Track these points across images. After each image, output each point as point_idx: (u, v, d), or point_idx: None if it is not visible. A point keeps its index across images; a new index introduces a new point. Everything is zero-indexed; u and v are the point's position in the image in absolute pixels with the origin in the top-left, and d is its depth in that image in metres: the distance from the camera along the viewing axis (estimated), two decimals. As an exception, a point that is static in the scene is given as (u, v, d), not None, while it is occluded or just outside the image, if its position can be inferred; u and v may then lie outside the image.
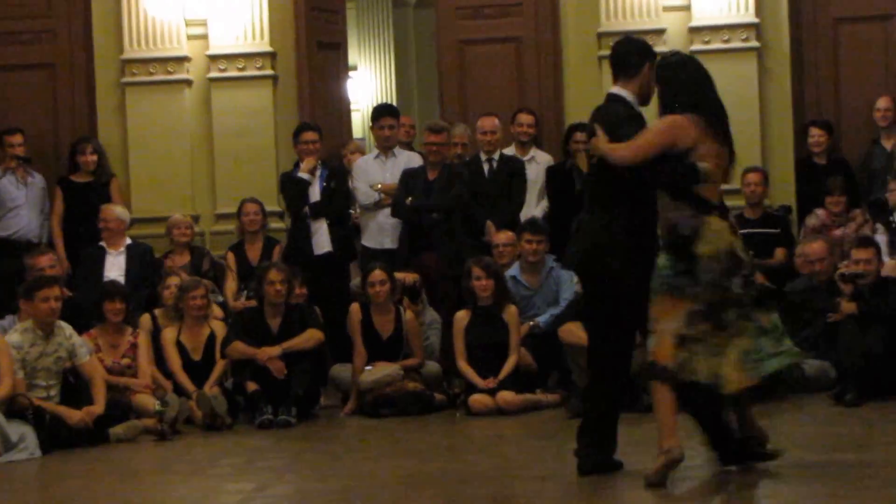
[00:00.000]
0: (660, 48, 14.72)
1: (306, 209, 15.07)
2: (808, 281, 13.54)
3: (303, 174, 15.14)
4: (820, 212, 14.57)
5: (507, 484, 9.90)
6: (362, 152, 15.61)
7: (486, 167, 14.72)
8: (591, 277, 9.25)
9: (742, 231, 13.86)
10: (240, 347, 13.38)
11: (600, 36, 9.06)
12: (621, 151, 9.00)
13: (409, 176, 14.67)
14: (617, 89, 9.32)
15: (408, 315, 13.95)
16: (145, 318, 13.84)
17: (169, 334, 13.65)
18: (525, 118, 15.29)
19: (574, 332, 12.36)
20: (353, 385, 13.78)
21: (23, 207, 15.45)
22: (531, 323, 13.62)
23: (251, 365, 13.35)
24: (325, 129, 16.04)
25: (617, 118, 9.13)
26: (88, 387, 12.76)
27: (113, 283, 14.12)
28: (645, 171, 9.00)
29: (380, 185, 14.84)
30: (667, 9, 16.41)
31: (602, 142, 9.00)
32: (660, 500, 8.88)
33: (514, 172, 14.47)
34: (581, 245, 9.21)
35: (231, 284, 14.91)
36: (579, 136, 13.70)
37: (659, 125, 9.12)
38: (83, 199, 15.45)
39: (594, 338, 9.30)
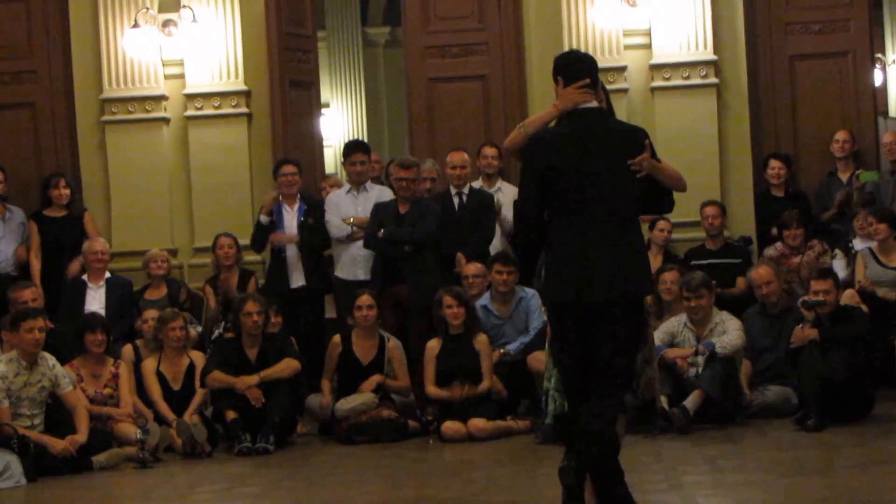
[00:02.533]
0: (621, 85, 14.89)
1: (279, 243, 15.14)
2: (762, 308, 13.60)
3: (262, 216, 15.30)
4: (778, 245, 14.63)
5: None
6: (339, 186, 15.58)
7: (455, 200, 14.75)
8: (628, 306, 8.94)
9: (703, 262, 14.06)
10: (219, 377, 13.40)
11: (560, 71, 9.03)
12: (681, 176, 9.21)
13: (380, 209, 14.66)
14: (595, 102, 9.09)
15: (390, 343, 13.98)
16: (127, 349, 13.87)
17: (149, 364, 13.67)
18: (489, 151, 15.33)
19: (542, 360, 12.34)
20: (321, 409, 13.92)
21: (1, 242, 15.45)
22: (501, 350, 13.67)
23: (230, 394, 13.35)
24: (300, 165, 16.00)
25: (642, 133, 9.12)
26: (71, 416, 12.77)
27: (94, 314, 14.10)
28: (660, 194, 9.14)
29: (352, 219, 14.85)
30: (628, 47, 16.51)
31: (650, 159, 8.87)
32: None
33: (483, 205, 14.45)
34: (624, 268, 8.80)
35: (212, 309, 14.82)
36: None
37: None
38: (57, 233, 15.45)
39: (620, 361, 9.02)
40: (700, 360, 12.95)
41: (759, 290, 13.73)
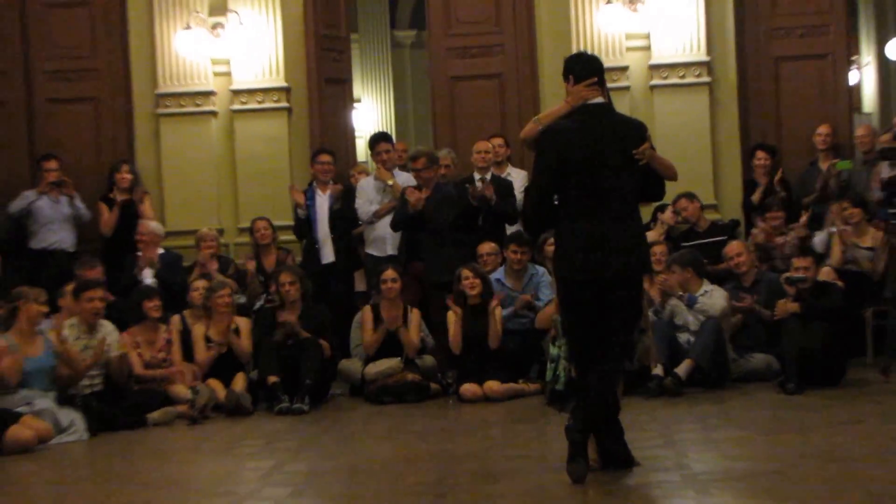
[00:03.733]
0: (623, 83, 14.87)
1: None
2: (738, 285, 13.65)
3: (298, 210, 15.40)
4: (760, 227, 14.60)
5: (492, 462, 9.96)
6: (367, 173, 15.58)
7: (479, 185, 14.61)
8: (629, 283, 9.08)
9: (693, 242, 14.03)
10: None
11: (570, 70, 9.02)
12: (673, 167, 9.40)
13: (405, 194, 14.58)
14: (603, 98, 9.18)
15: (413, 313, 14.00)
16: (175, 319, 13.85)
17: (198, 330, 13.67)
18: (496, 140, 15.30)
19: (548, 317, 12.76)
20: (364, 348, 14.03)
21: (55, 223, 15.45)
22: (526, 298, 13.74)
23: (272, 360, 13.39)
24: (334, 155, 16.05)
25: (642, 126, 9.34)
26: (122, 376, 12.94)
27: (149, 286, 14.15)
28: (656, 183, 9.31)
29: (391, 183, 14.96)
30: (630, 49, 16.50)
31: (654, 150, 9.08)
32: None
33: (503, 191, 14.42)
34: (624, 249, 8.89)
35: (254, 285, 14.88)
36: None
37: None
38: (121, 213, 15.41)
39: (622, 331, 9.18)
40: (682, 305, 13.16)
41: (730, 261, 13.79)
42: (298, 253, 15.61)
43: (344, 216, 15.21)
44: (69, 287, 13.35)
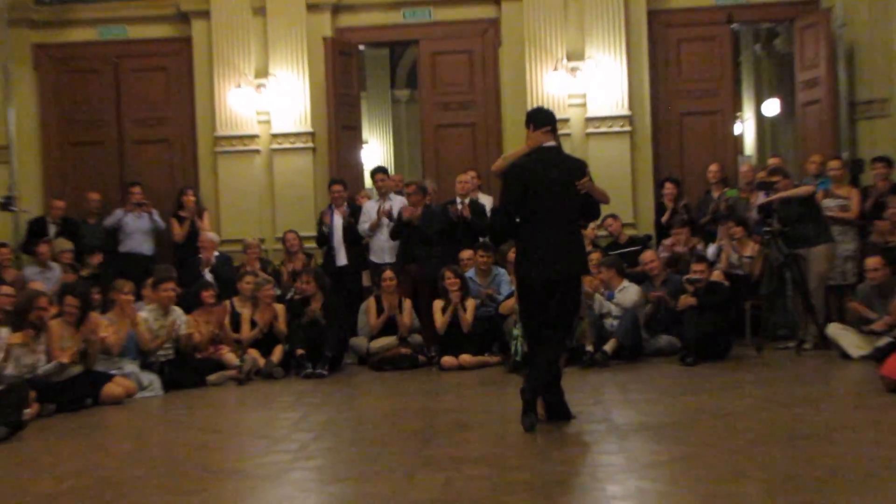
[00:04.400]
0: (565, 131, 14.88)
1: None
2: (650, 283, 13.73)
3: (323, 227, 15.35)
4: (668, 241, 14.69)
5: (465, 415, 10.03)
6: (368, 197, 15.57)
7: (459, 205, 14.62)
8: (571, 282, 9.23)
9: (616, 251, 14.09)
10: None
11: (531, 121, 9.05)
12: (606, 194, 9.65)
13: (401, 213, 14.73)
14: (554, 141, 9.35)
15: (406, 302, 14.05)
16: (226, 303, 13.79)
17: (245, 314, 13.73)
18: (470, 173, 15.08)
19: (510, 307, 12.68)
20: (369, 329, 14.11)
21: (138, 234, 15.46)
22: (488, 292, 13.82)
23: (300, 336, 13.47)
24: (347, 182, 16.03)
25: (583, 164, 9.50)
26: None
27: (207, 280, 14.23)
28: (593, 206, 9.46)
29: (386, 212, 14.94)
30: (570, 105, 16.48)
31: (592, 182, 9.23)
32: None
33: (477, 211, 14.46)
34: (568, 256, 9.10)
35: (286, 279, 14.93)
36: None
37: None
38: (187, 227, 15.41)
39: (564, 318, 9.34)
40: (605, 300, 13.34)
41: (645, 266, 13.87)
42: (319, 257, 15.50)
43: (353, 230, 15.18)
44: (150, 281, 13.43)
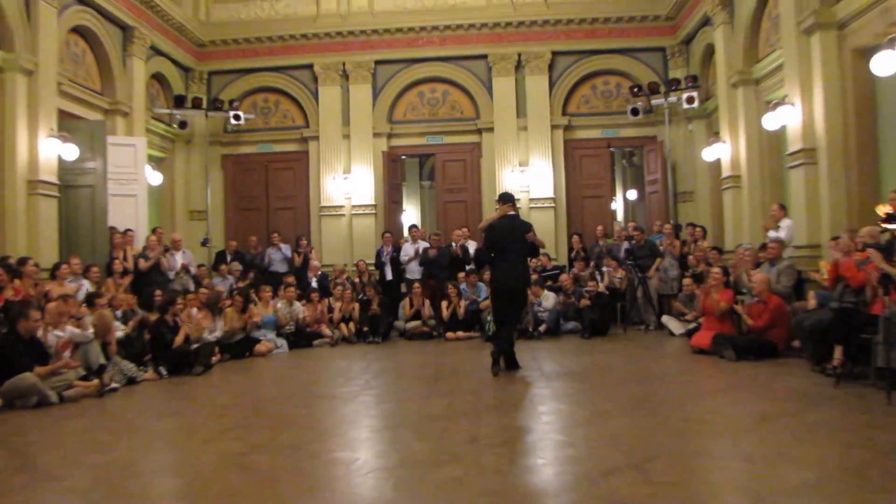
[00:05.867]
0: (519, 206, 14.67)
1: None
2: (565, 292, 13.54)
3: (383, 259, 15.11)
4: (574, 269, 14.58)
5: (458, 366, 9.93)
6: (407, 241, 15.34)
7: (459, 250, 14.60)
8: (521, 290, 9.20)
9: (544, 273, 13.95)
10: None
11: (499, 199, 9.04)
12: (542, 242, 9.57)
13: (426, 251, 14.64)
14: (514, 212, 9.33)
15: (426, 301, 13.86)
16: (325, 301, 13.62)
17: (336, 306, 13.55)
18: (463, 229, 15.08)
19: (486, 304, 12.47)
20: (404, 315, 13.83)
21: (276, 261, 15.20)
22: (473, 297, 13.55)
23: (365, 320, 13.35)
24: (392, 233, 15.90)
25: (529, 225, 9.32)
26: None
27: (314, 287, 14.04)
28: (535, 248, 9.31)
29: (416, 251, 14.83)
30: (521, 190, 16.38)
31: (534, 235, 9.21)
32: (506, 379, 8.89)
33: (465, 251, 14.42)
34: (519, 276, 9.10)
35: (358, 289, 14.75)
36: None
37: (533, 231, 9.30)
38: (302, 257, 15.20)
39: (517, 311, 9.33)
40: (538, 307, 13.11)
41: (562, 283, 13.57)
42: (377, 274, 15.17)
43: (396, 260, 15.03)
44: (282, 286, 13.33)
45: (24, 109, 11.47)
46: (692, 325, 11.60)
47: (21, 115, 11.42)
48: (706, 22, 15.08)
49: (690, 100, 15.05)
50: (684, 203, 16.50)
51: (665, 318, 12.79)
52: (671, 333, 12.27)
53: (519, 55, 16.85)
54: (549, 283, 13.89)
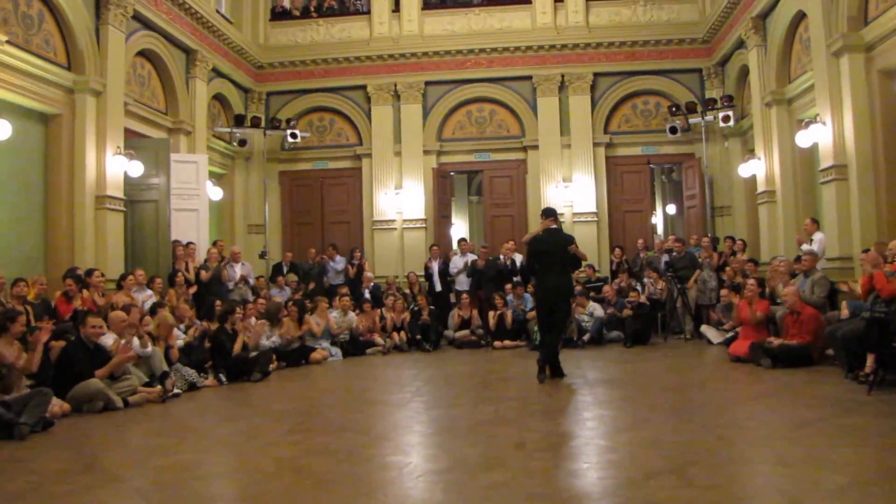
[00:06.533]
0: (562, 220, 14.71)
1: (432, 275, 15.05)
2: (608, 303, 13.43)
3: (432, 271, 15.08)
4: (616, 280, 14.43)
5: (506, 373, 9.92)
6: (456, 254, 15.35)
7: (506, 262, 14.50)
8: (565, 301, 9.12)
9: (589, 285, 13.81)
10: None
11: (543, 213, 9.02)
12: (584, 255, 9.45)
13: (474, 263, 14.60)
14: (556, 225, 9.22)
15: (474, 311, 13.80)
16: (378, 310, 13.56)
17: (388, 316, 13.47)
18: (510, 243, 14.78)
19: (532, 314, 12.30)
20: (454, 325, 13.83)
21: (331, 272, 15.31)
22: (520, 307, 13.43)
23: (416, 328, 13.26)
24: (440, 246, 15.91)
25: (571, 237, 9.18)
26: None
27: (367, 298, 14.04)
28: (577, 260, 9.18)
29: (465, 263, 14.80)
30: (564, 205, 16.29)
31: (576, 247, 9.06)
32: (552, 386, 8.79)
33: (514, 263, 14.31)
34: (563, 287, 9.01)
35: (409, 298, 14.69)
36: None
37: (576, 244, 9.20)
38: (356, 269, 15.24)
39: (561, 320, 9.25)
40: (586, 316, 12.95)
41: (605, 294, 13.49)
42: (426, 286, 15.05)
43: (445, 272, 15.00)
44: (337, 296, 13.34)
45: (93, 128, 11.67)
46: (730, 335, 11.44)
47: (90, 134, 11.61)
48: (740, 45, 15.07)
49: (726, 118, 15.04)
50: (721, 217, 16.35)
51: (703, 328, 12.63)
52: (709, 342, 12.09)
53: (562, 76, 16.84)
54: (593, 294, 13.77)
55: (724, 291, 12.44)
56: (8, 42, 10.04)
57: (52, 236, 11.36)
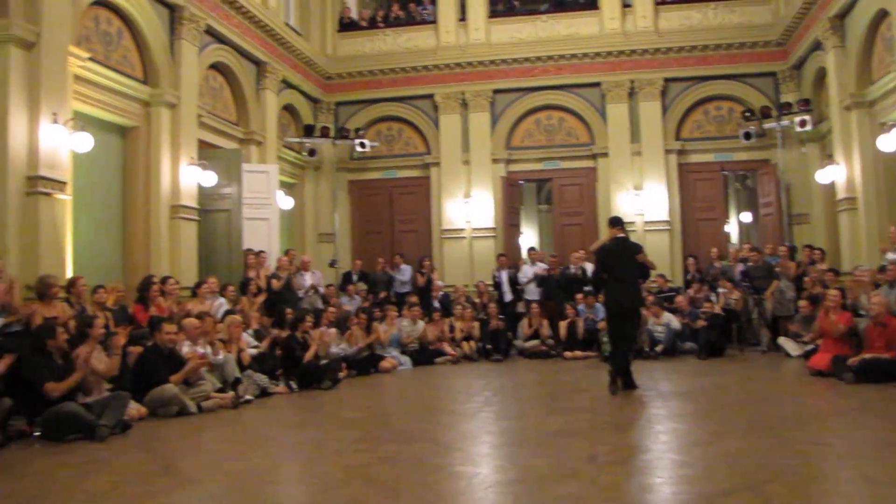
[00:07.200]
0: (632, 229, 14.63)
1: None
2: (681, 313, 13.25)
3: (500, 280, 15.05)
4: (690, 290, 14.24)
5: (577, 384, 9.88)
6: (525, 263, 15.35)
7: (577, 271, 14.46)
8: (635, 311, 9.03)
9: (661, 295, 13.64)
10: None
11: (609, 223, 9.05)
12: (653, 264, 9.47)
13: (544, 272, 14.62)
14: (623, 234, 9.16)
15: (544, 321, 13.77)
16: (448, 319, 13.68)
17: (458, 325, 13.60)
18: (581, 251, 14.68)
19: (603, 324, 11.94)
20: (523, 335, 13.85)
21: (399, 282, 15.49)
22: (591, 317, 13.36)
23: (487, 337, 13.33)
24: (510, 255, 15.95)
25: (640, 246, 9.23)
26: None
27: (437, 307, 14.10)
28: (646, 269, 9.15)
29: (534, 272, 14.82)
30: (636, 214, 16.18)
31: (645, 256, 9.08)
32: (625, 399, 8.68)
33: (584, 272, 14.19)
34: (633, 297, 8.92)
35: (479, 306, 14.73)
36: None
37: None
38: (425, 278, 15.31)
39: (632, 331, 9.17)
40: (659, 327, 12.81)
41: (679, 304, 13.30)
42: (495, 295, 15.07)
43: (514, 280, 14.95)
44: (406, 305, 13.44)
45: (168, 140, 11.98)
46: (809, 347, 11.14)
47: (165, 146, 11.93)
48: (817, 46, 14.68)
49: (803, 123, 14.66)
50: (799, 225, 15.93)
51: (781, 340, 12.36)
52: (787, 355, 11.83)
53: (632, 82, 16.69)
54: (665, 304, 13.58)
55: (802, 302, 12.13)
56: (90, 59, 10.42)
57: (129, 244, 11.69)
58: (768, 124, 15.29)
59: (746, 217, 23.24)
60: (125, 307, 9.71)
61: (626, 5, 16.95)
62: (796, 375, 9.98)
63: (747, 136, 15.50)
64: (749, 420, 6.83)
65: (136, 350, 8.29)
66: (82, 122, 9.85)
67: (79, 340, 7.35)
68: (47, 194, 9.13)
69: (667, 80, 16.66)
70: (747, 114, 15.48)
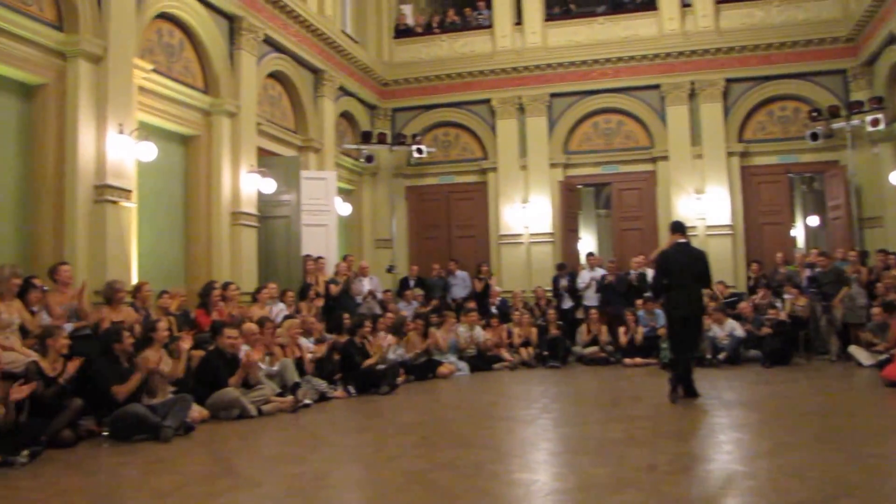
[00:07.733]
0: (694, 234, 14.46)
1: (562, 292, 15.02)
2: (745, 320, 13.05)
3: (561, 285, 15.04)
4: (754, 296, 13.92)
5: (637, 392, 9.83)
6: (584, 269, 15.20)
7: (635, 276, 14.36)
8: (696, 317, 8.96)
9: (724, 301, 13.43)
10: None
11: (671, 228, 9.07)
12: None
13: (603, 277, 14.52)
14: (684, 239, 9.05)
15: (603, 327, 13.74)
16: (506, 325, 13.65)
17: (516, 331, 13.58)
18: (641, 257, 14.54)
19: (663, 331, 11.81)
20: (581, 341, 13.83)
21: (454, 287, 15.57)
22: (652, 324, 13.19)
23: (544, 344, 13.29)
24: (568, 263, 15.91)
25: (702, 252, 9.28)
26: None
27: (493, 312, 14.11)
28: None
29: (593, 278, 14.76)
30: (697, 218, 15.95)
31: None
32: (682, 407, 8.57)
33: (642, 278, 14.02)
34: (694, 303, 8.82)
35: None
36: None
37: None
38: (483, 284, 15.37)
39: (693, 338, 9.07)
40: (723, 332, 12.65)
41: (743, 311, 13.14)
42: (554, 301, 14.98)
43: (573, 287, 14.91)
44: (464, 311, 13.41)
45: (228, 148, 12.26)
46: (883, 357, 10.82)
47: (226, 154, 12.21)
48: (892, 40, 14.23)
49: (875, 122, 14.30)
50: (871, 229, 15.52)
51: (853, 349, 12.04)
52: (859, 364, 11.52)
53: (692, 83, 16.52)
54: (728, 310, 13.37)
55: (875, 309, 11.83)
56: (153, 70, 10.74)
57: (191, 250, 11.97)
58: (837, 124, 14.98)
59: (814, 221, 22.78)
60: (188, 312, 9.93)
61: (685, 5, 16.79)
62: (868, 386, 9.74)
63: (814, 136, 15.22)
64: (817, 432, 6.70)
65: (198, 354, 8.51)
66: (146, 131, 10.18)
67: (144, 344, 7.58)
68: (114, 202, 9.49)
69: (728, 80, 16.44)
70: (814, 113, 15.20)
